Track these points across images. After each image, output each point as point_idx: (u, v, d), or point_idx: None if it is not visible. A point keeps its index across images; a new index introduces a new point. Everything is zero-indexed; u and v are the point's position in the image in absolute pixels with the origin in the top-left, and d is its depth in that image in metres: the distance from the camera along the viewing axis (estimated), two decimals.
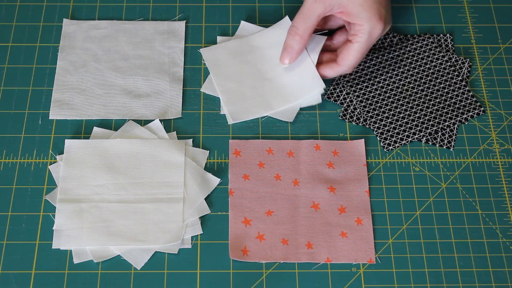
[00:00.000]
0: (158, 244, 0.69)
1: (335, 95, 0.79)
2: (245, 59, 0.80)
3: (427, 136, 0.76)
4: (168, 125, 0.76)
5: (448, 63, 0.80)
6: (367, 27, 0.73)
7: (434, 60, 0.81)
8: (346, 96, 0.79)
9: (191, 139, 0.75)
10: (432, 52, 0.81)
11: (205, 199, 0.72)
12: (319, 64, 0.78)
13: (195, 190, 0.72)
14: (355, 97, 0.78)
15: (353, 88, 0.79)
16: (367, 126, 0.77)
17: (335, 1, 0.73)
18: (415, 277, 0.68)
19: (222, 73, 0.80)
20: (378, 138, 0.76)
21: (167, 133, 0.75)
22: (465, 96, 0.78)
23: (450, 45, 0.83)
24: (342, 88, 0.79)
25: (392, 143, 0.76)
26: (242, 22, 0.83)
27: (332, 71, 0.77)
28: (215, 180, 0.73)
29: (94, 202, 0.71)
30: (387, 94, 0.79)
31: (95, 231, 0.69)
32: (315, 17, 0.74)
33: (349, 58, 0.75)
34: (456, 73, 0.80)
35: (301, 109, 0.78)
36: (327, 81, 0.80)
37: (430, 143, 0.76)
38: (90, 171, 0.72)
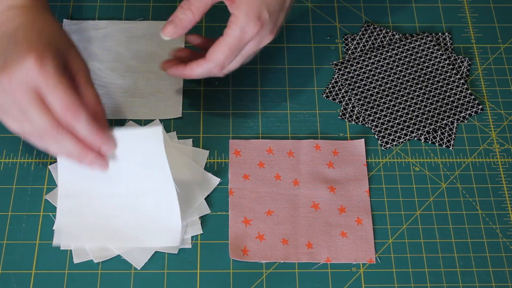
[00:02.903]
0: (158, 244, 0.69)
1: (333, 93, 0.79)
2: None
3: (425, 135, 0.76)
4: (168, 125, 0.76)
5: (447, 62, 0.80)
6: (241, 21, 0.65)
7: (433, 58, 0.81)
8: (344, 94, 0.79)
9: (191, 139, 0.75)
10: (431, 50, 0.81)
11: (205, 199, 0.72)
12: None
13: (195, 190, 0.72)
14: (353, 96, 0.78)
15: (351, 87, 0.79)
16: (366, 125, 0.77)
17: None
18: (415, 277, 0.68)
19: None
20: (376, 136, 0.76)
21: (167, 133, 0.75)
22: (463, 94, 0.78)
23: (449, 44, 0.83)
24: (341, 87, 0.79)
25: (390, 141, 0.76)
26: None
27: (198, 67, 0.69)
28: (215, 180, 0.73)
29: (94, 202, 0.71)
30: (386, 93, 0.79)
31: (95, 230, 0.69)
32: None
33: (216, 52, 0.67)
34: (454, 71, 0.80)
35: (301, 109, 0.78)
36: (326, 81, 0.80)
37: (429, 142, 0.76)
38: (90, 170, 0.72)
